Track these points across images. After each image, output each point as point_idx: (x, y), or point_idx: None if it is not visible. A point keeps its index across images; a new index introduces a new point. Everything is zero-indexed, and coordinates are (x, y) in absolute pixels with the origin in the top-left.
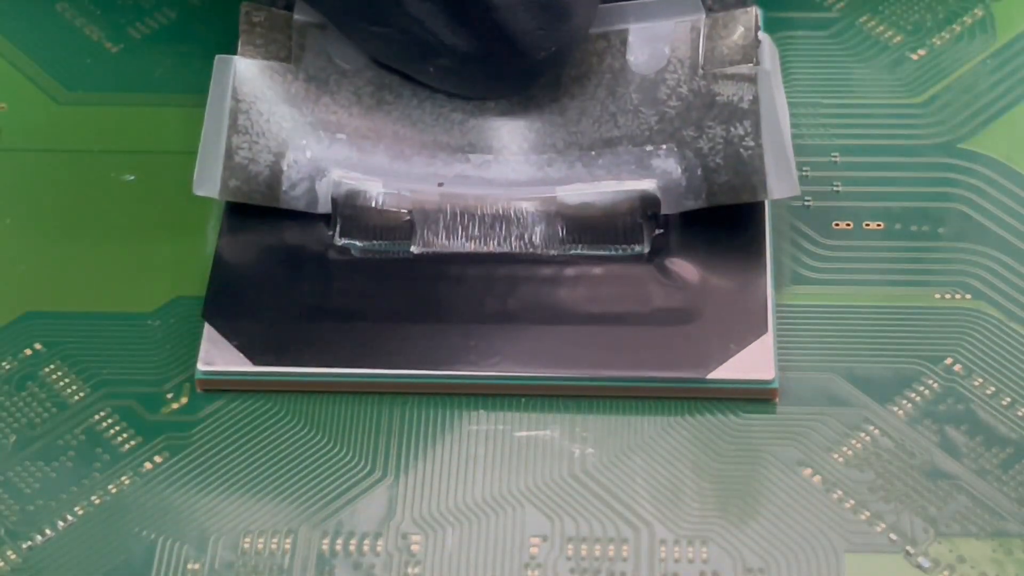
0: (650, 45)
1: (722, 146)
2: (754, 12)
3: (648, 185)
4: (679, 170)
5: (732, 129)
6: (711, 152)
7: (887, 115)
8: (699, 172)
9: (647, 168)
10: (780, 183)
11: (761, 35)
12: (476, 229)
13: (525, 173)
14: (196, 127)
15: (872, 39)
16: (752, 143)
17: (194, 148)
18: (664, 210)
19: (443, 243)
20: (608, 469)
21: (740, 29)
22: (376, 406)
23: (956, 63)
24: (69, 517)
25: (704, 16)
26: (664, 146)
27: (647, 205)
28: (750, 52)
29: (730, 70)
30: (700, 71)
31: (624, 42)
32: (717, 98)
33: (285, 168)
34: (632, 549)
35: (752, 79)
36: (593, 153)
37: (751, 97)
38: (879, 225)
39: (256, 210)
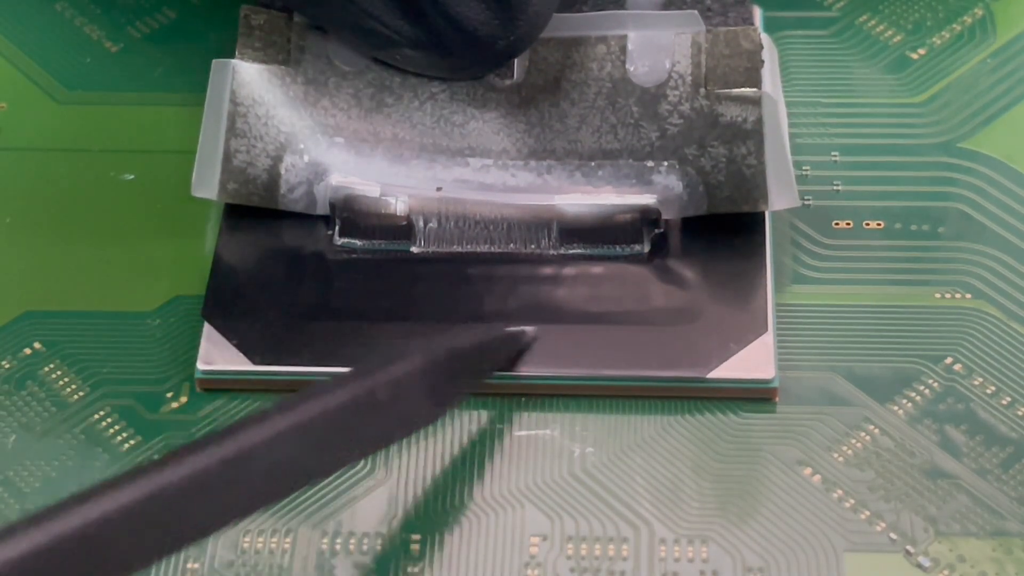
0: (650, 56)
1: (724, 164)
2: (757, 31)
3: (648, 200)
4: (680, 186)
5: (735, 149)
6: (713, 170)
7: (887, 114)
8: (700, 188)
9: (648, 183)
10: (780, 196)
11: (761, 34)
12: (475, 232)
13: (524, 179)
14: (196, 126)
15: (872, 38)
16: (755, 162)
17: (194, 147)
18: (664, 216)
19: (442, 245)
20: (608, 468)
21: (743, 49)
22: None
23: (956, 62)
24: None
25: (704, 30)
26: (665, 163)
27: (647, 212)
28: (754, 76)
29: (734, 92)
30: (703, 90)
31: (623, 49)
32: (720, 119)
33: (283, 172)
34: (632, 548)
35: (756, 101)
36: (593, 164)
37: (755, 118)
38: (879, 224)
39: (256, 209)
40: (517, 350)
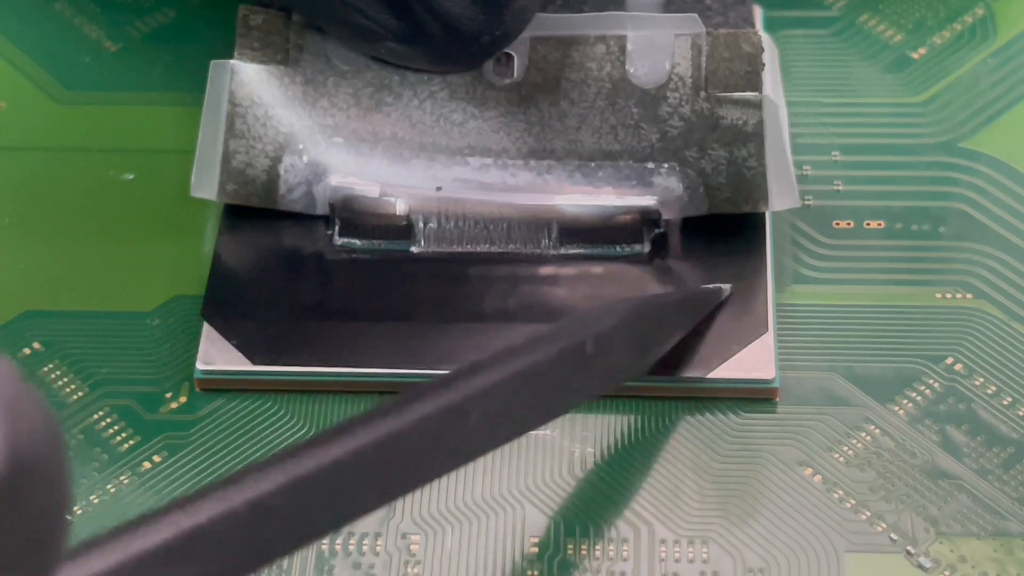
0: (650, 57)
1: (725, 166)
2: (757, 34)
3: (649, 201)
4: (681, 188)
5: (736, 151)
6: (714, 172)
7: (888, 114)
8: (701, 190)
9: (648, 185)
10: (781, 197)
11: (761, 34)
12: (475, 232)
13: (524, 179)
14: (195, 126)
15: (873, 38)
16: (755, 163)
17: (193, 147)
18: (664, 216)
19: (442, 244)
20: (608, 468)
21: (744, 52)
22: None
23: (957, 62)
24: (68, 517)
25: (704, 33)
26: (666, 165)
27: (647, 213)
28: (755, 79)
29: (735, 95)
30: (703, 93)
31: (623, 49)
32: (721, 121)
33: (282, 172)
34: (632, 549)
35: (757, 105)
36: (593, 165)
37: (755, 121)
38: (880, 224)
39: (255, 209)
40: (714, 305)
